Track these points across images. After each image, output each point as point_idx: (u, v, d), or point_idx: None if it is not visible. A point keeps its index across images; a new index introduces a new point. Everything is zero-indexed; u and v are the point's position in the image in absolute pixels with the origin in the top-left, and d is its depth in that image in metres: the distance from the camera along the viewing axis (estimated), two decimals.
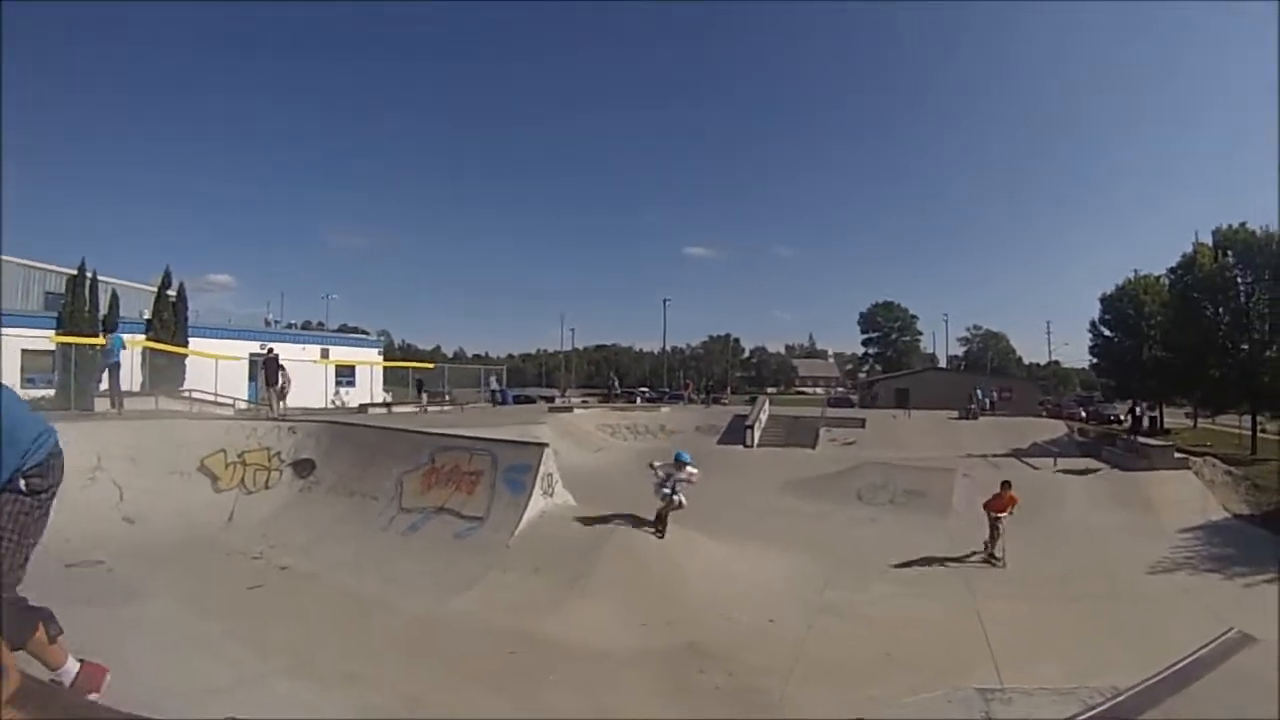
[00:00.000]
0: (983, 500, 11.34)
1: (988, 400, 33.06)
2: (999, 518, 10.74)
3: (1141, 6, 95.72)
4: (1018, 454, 19.83)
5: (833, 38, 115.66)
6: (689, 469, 8.53)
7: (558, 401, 31.95)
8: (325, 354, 33.68)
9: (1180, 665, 2.10)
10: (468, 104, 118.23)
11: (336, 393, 30.80)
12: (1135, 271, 34.16)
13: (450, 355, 75.76)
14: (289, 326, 43.58)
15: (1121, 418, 32.50)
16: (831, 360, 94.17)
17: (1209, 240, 25.51)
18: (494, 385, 33.95)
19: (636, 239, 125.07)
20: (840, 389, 67.24)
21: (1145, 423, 29.18)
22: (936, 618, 7.72)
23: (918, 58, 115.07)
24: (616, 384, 44.44)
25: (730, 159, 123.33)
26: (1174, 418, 34.14)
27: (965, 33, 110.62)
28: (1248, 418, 24.88)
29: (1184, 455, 17.88)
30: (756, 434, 21.41)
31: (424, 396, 28.03)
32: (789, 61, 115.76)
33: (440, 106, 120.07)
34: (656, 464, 8.80)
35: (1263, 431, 24.60)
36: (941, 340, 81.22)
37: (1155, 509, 13.55)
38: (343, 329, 53.15)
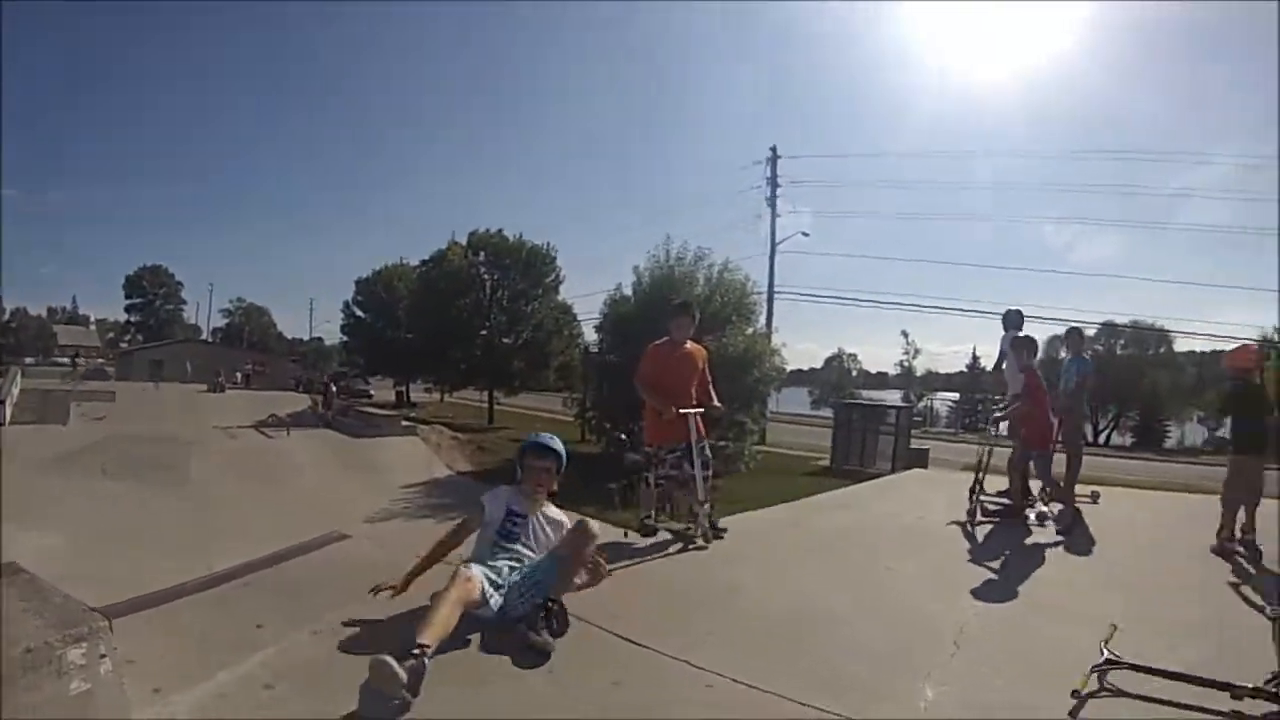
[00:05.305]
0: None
1: (239, 375, 33.81)
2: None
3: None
4: (258, 425, 19.52)
5: None
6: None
7: None
8: None
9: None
10: None
11: None
12: (402, 259, 35.54)
13: None
14: None
15: (323, 390, 26.88)
16: (93, 328, 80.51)
17: (464, 241, 27.51)
18: None
19: None
20: (100, 360, 56.73)
21: (370, 395, 32.76)
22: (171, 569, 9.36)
23: None
24: None
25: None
26: (419, 392, 36.95)
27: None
28: (488, 393, 28.12)
29: (413, 423, 20.47)
30: (8, 410, 18.89)
31: None
32: None
33: None
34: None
35: (499, 404, 28.44)
36: (205, 311, 74.44)
37: (381, 470, 14.73)
38: None
